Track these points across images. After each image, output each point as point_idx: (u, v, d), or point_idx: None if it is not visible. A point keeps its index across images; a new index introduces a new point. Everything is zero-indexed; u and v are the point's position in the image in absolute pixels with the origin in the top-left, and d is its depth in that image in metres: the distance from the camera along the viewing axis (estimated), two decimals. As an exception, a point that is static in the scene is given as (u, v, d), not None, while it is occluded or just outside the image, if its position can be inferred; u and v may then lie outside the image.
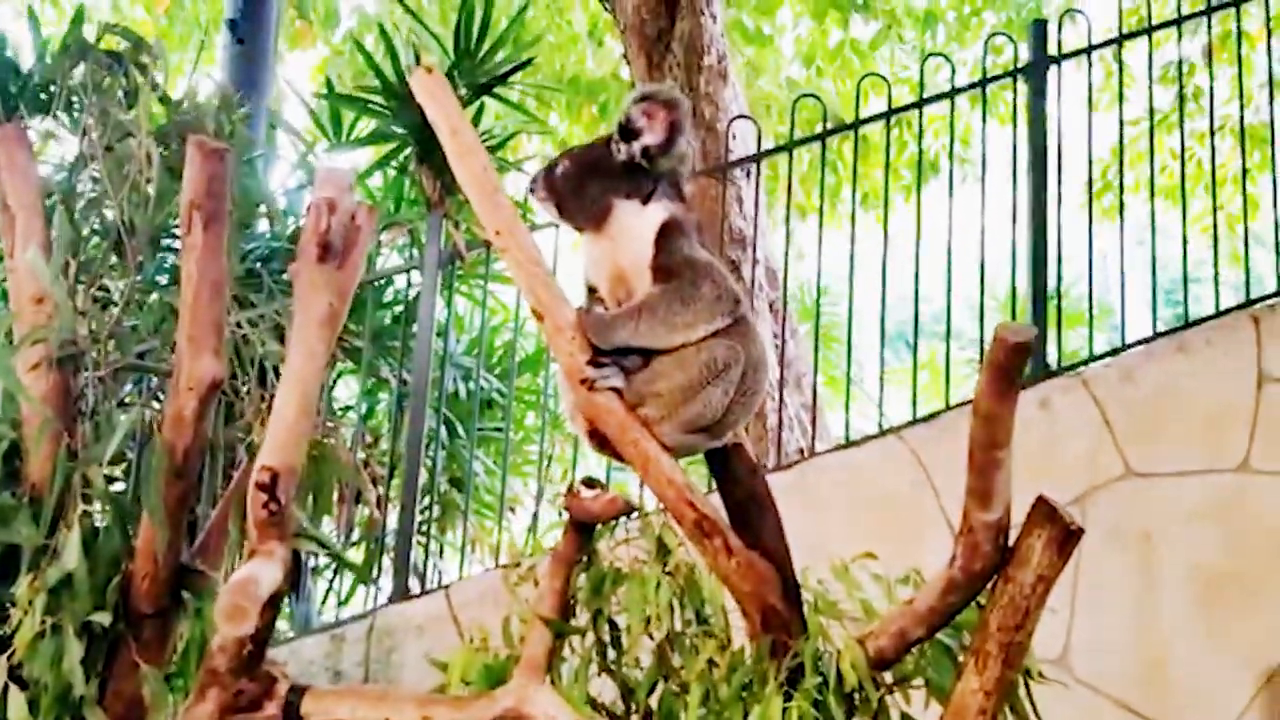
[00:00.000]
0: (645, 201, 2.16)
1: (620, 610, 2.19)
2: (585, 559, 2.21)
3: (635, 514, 2.18)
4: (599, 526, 2.19)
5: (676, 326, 2.08)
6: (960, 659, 2.02)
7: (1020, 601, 1.83)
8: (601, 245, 2.18)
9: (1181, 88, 5.13)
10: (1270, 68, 4.96)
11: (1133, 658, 3.84)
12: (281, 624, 5.09)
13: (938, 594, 1.92)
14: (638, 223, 2.15)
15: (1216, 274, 4.48)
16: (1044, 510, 1.83)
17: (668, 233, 2.13)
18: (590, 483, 2.16)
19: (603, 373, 2.07)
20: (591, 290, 2.21)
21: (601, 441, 2.14)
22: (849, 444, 4.38)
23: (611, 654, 2.25)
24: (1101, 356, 4.38)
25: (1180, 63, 5.03)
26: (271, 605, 2.12)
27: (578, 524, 2.16)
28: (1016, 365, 1.72)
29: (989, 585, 1.92)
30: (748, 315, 2.16)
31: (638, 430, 2.07)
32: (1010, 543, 1.89)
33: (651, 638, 2.18)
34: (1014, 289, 4.53)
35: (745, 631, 2.18)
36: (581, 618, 2.24)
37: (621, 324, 2.08)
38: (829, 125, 4.93)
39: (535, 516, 4.84)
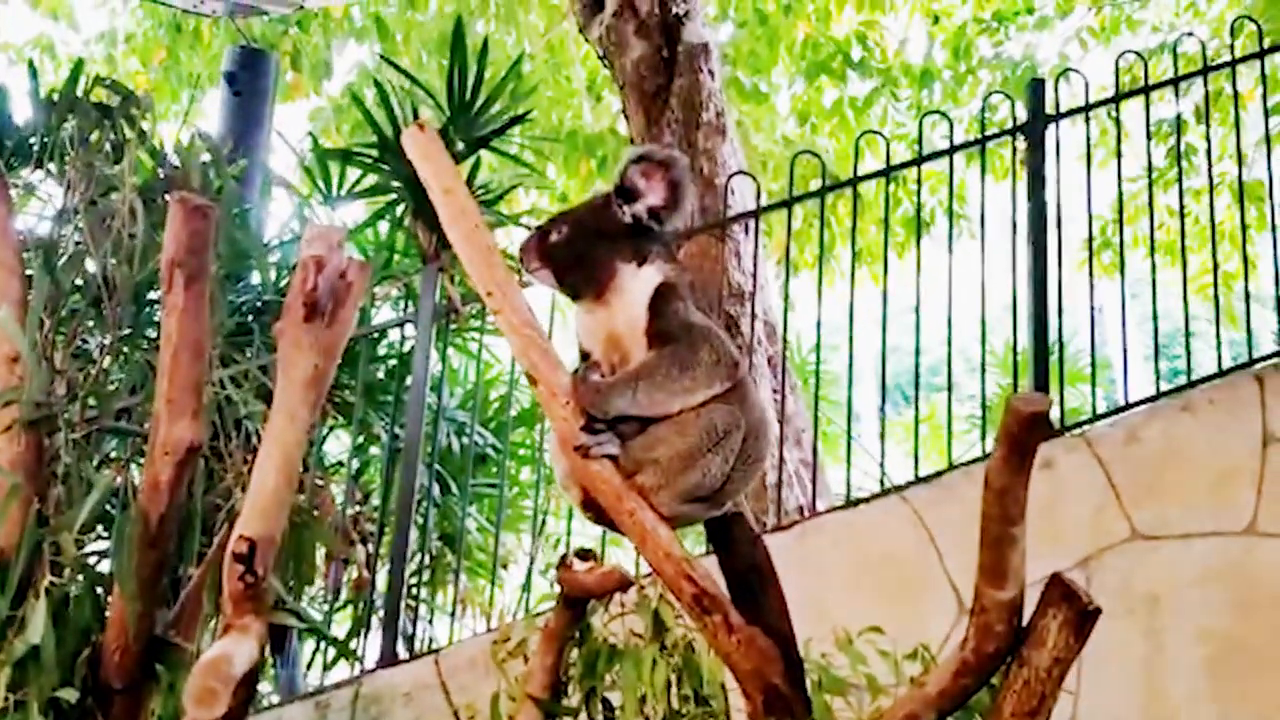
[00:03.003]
0: (641, 264, 2.10)
1: (614, 688, 2.09)
2: (578, 634, 2.11)
3: (631, 588, 2.09)
4: (593, 600, 2.10)
5: (675, 393, 2.00)
6: (972, 744, 1.93)
7: (1036, 685, 1.74)
8: (598, 312, 2.10)
9: (1179, 145, 5.11)
10: (1266, 126, 4.94)
11: (1140, 726, 3.74)
12: (265, 687, 4.96)
13: (949, 676, 1.82)
14: (635, 285, 2.08)
15: (1219, 333, 4.43)
16: (1060, 589, 1.74)
17: (663, 295, 2.06)
18: (584, 554, 2.07)
19: (598, 439, 1.98)
20: (585, 355, 2.13)
21: (597, 512, 2.05)
22: (850, 503, 4.30)
23: (605, 734, 2.15)
24: (1105, 415, 4.31)
25: (1178, 120, 5.01)
26: (247, 683, 2.01)
27: (570, 598, 2.06)
28: (1032, 437, 1.64)
29: (1003, 667, 1.83)
30: (746, 380, 2.09)
31: (634, 500, 1.99)
32: (1024, 621, 1.80)
33: (648, 719, 2.08)
34: (1014, 345, 4.48)
35: (746, 712, 2.08)
36: (574, 697, 2.14)
37: (619, 392, 2.00)
38: (827, 182, 4.89)
39: (529, 575, 4.74)
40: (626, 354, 2.07)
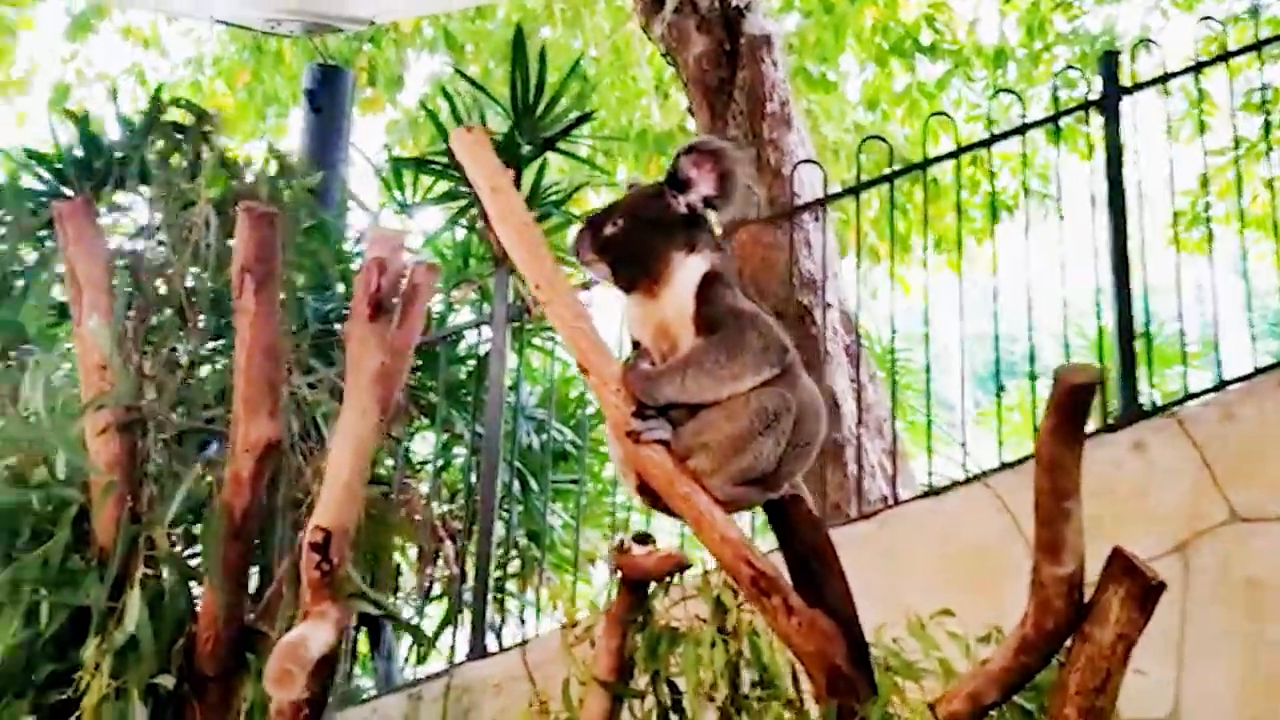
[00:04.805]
0: (689, 253, 2.11)
1: (679, 671, 2.11)
2: (641, 618, 2.14)
3: (690, 570, 2.11)
4: (654, 584, 2.13)
5: (723, 379, 2.01)
6: (1038, 722, 1.91)
7: (1100, 662, 1.72)
8: (648, 303, 2.12)
9: (1267, 114, 4.94)
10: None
11: (1245, 712, 3.62)
12: (365, 681, 5.10)
13: (1010, 654, 1.81)
14: (684, 275, 2.09)
15: (1315, 305, 4.29)
16: (1121, 564, 1.71)
17: (710, 283, 2.08)
18: (642, 538, 2.10)
19: (648, 425, 2.01)
20: (636, 344, 2.15)
21: (652, 497, 2.08)
22: (932, 492, 4.24)
23: (673, 717, 2.17)
24: (1198, 395, 4.17)
25: (1263, 87, 4.85)
26: (325, 667, 2.08)
27: (631, 582, 2.09)
28: (1081, 408, 1.62)
29: (1068, 644, 1.81)
30: (795, 365, 2.09)
31: (687, 484, 2.01)
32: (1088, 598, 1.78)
33: (713, 700, 2.10)
34: (1099, 327, 4.38)
35: (811, 694, 2.09)
36: (640, 679, 2.16)
37: (668, 380, 2.02)
38: (896, 166, 4.84)
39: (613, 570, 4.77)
40: (675, 342, 2.09)
